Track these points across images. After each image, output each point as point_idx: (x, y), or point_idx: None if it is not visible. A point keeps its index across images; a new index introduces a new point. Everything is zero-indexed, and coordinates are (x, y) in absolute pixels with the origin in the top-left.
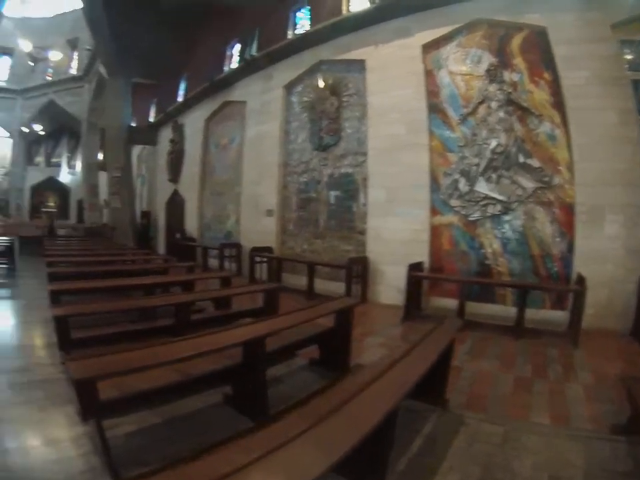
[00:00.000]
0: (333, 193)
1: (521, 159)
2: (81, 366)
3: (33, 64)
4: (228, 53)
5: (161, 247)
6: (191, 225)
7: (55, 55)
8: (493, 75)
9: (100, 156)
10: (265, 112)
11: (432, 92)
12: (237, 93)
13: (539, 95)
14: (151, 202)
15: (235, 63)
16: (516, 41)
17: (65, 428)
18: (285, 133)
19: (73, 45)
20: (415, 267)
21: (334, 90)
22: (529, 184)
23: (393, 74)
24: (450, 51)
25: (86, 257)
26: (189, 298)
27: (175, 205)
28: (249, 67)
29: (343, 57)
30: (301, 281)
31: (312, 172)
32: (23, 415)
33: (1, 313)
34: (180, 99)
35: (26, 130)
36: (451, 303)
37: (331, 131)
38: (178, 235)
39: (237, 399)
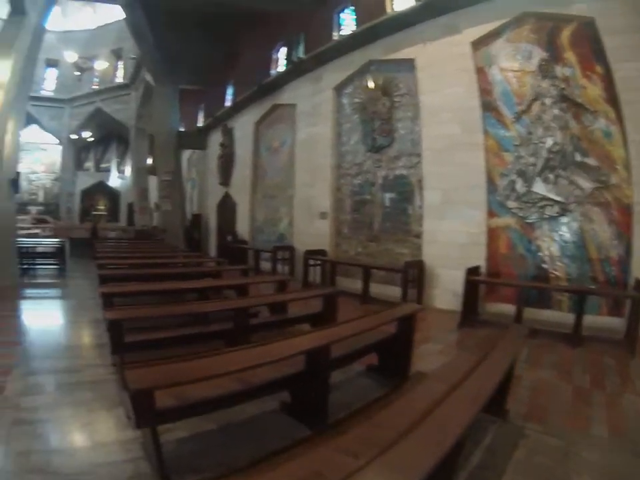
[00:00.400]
0: (387, 195)
1: (578, 158)
2: (138, 375)
3: (79, 73)
4: (274, 57)
5: (212, 249)
6: (243, 227)
7: (100, 64)
8: (545, 70)
9: (149, 160)
10: (316, 114)
11: (484, 90)
12: (286, 95)
13: (592, 90)
14: (201, 205)
15: (281, 66)
16: (565, 34)
17: (113, 431)
18: (336, 135)
19: (117, 54)
20: (472, 271)
21: (385, 90)
22: (586, 184)
23: (443, 72)
24: (499, 47)
25: (137, 259)
26: (246, 303)
27: (226, 207)
28: (297, 69)
29: (392, 56)
30: (355, 285)
31: (366, 174)
32: (71, 416)
33: (52, 312)
34: (228, 103)
35: (75, 137)
36: (507, 309)
37: (384, 132)
38: (229, 238)
39: (296, 406)
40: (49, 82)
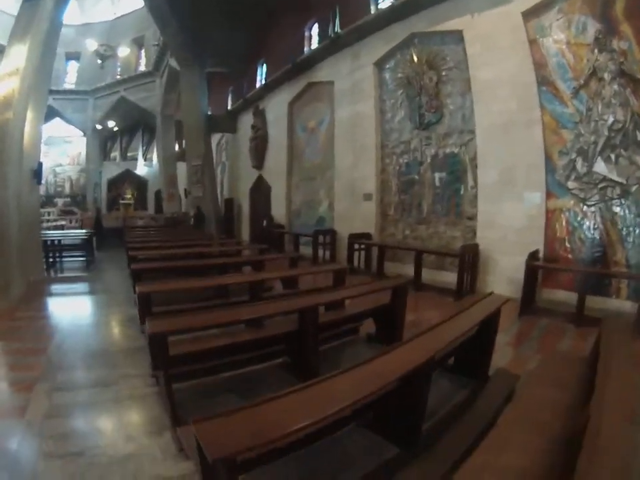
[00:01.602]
0: (437, 175)
1: (639, 137)
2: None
3: (101, 61)
4: (307, 34)
5: (245, 235)
6: (278, 211)
7: (123, 51)
8: (601, 43)
9: (176, 147)
10: (357, 91)
11: (538, 63)
12: (322, 73)
13: None
14: (233, 190)
15: (315, 44)
16: (619, 5)
17: (161, 464)
18: (380, 112)
19: (139, 43)
20: (532, 256)
21: (431, 64)
22: None
23: (495, 45)
24: (552, 18)
25: (170, 248)
26: (308, 302)
27: (260, 191)
28: (333, 45)
29: (436, 28)
30: (402, 270)
31: (413, 152)
32: (107, 446)
33: (80, 311)
34: (258, 84)
35: (99, 127)
36: (564, 296)
37: (432, 107)
38: (264, 222)
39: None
40: (70, 75)
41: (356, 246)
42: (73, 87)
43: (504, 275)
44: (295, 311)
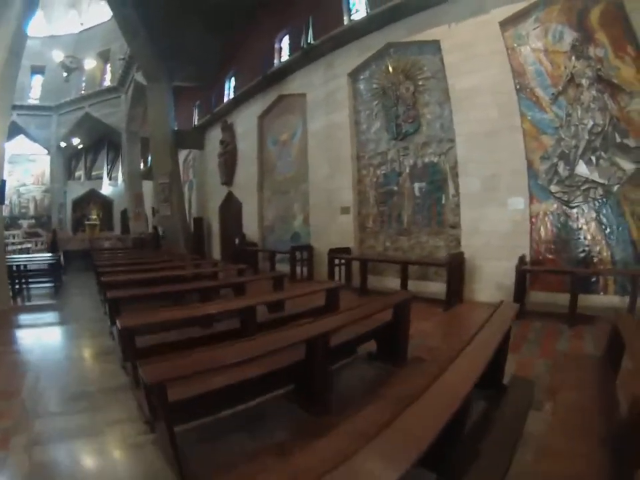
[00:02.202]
0: (417, 185)
1: (618, 139)
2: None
3: (66, 74)
4: (277, 46)
5: (216, 254)
6: (251, 228)
7: (89, 63)
8: (578, 50)
9: (142, 165)
10: (330, 102)
11: (517, 71)
12: (294, 85)
13: (626, 71)
14: (201, 207)
15: (285, 56)
16: (594, 15)
17: None
18: (355, 124)
19: (104, 57)
20: (522, 260)
21: (407, 74)
22: (627, 165)
23: (473, 54)
24: (529, 27)
25: (145, 272)
26: (321, 329)
27: (230, 208)
28: (306, 56)
29: (413, 38)
30: (384, 283)
31: (391, 163)
32: None
33: (53, 344)
34: (227, 98)
35: (63, 144)
36: (551, 297)
37: (409, 117)
38: (237, 240)
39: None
40: (34, 90)
41: (336, 261)
42: (37, 102)
43: (491, 282)
44: (303, 341)
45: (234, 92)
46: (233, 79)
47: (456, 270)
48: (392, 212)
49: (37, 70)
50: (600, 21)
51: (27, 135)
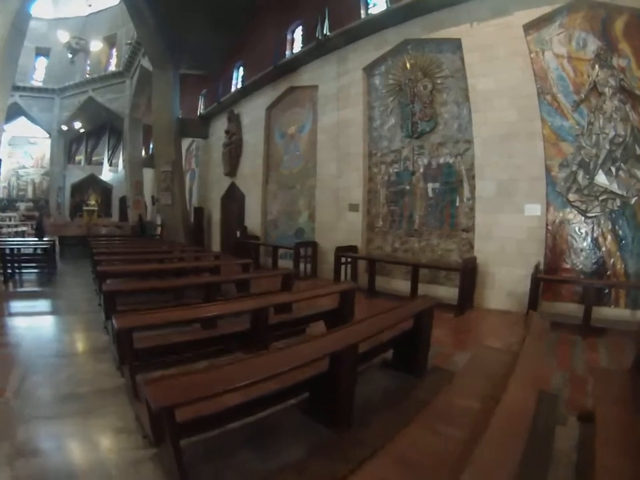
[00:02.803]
0: (430, 185)
1: (638, 151)
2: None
3: (71, 55)
4: (289, 37)
5: (215, 245)
6: (253, 221)
7: (95, 45)
8: (603, 59)
9: (143, 153)
10: (343, 97)
11: (539, 76)
12: (305, 77)
13: None
14: (203, 198)
15: (298, 47)
16: (618, 25)
17: None
18: (368, 120)
19: (110, 42)
20: (537, 268)
21: (425, 71)
22: None
23: (495, 55)
24: (553, 32)
25: (144, 263)
26: (349, 341)
27: (232, 200)
28: (320, 48)
29: (432, 35)
30: (392, 284)
31: (404, 161)
32: None
33: (44, 336)
34: (234, 88)
35: (65, 128)
36: (565, 307)
37: (426, 115)
38: (238, 233)
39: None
40: (38, 72)
41: (342, 259)
42: (40, 84)
43: (503, 289)
44: (328, 354)
45: (242, 82)
46: (241, 68)
47: (469, 275)
48: (403, 212)
49: (41, 52)
50: (624, 31)
51: (29, 117)
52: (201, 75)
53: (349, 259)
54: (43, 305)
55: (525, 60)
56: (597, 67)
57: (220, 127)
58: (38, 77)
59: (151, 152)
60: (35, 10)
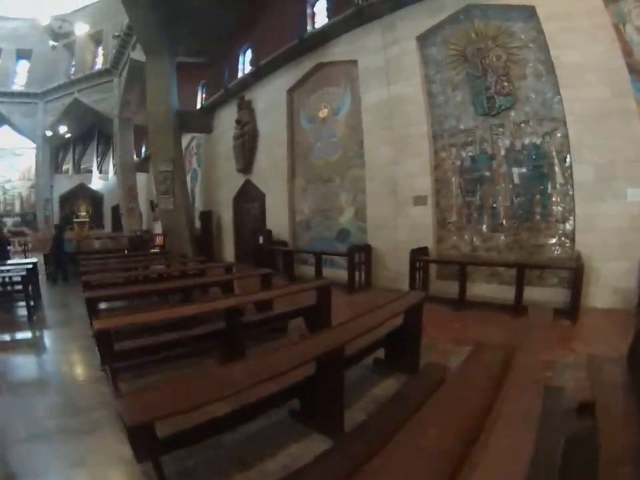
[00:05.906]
0: (516, 170)
1: None
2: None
3: (54, 43)
4: (309, 11)
5: (229, 254)
6: (278, 224)
7: (80, 28)
8: None
9: (135, 156)
10: (394, 70)
11: (624, 50)
12: (338, 50)
13: None
14: (208, 200)
15: (323, 19)
16: None
17: None
18: (428, 95)
19: (96, 39)
20: None
21: (495, 40)
22: None
23: (577, 26)
24: (630, 5)
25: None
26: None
27: (248, 200)
28: (359, 16)
29: (501, 1)
30: (473, 291)
31: (480, 143)
32: None
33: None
34: (241, 74)
35: (49, 133)
36: None
37: (503, 89)
38: (260, 239)
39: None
40: (20, 76)
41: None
42: (22, 89)
43: (608, 285)
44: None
45: (252, 64)
46: (248, 51)
47: (580, 273)
48: (483, 203)
49: (22, 54)
50: None
51: (10, 124)
52: (200, 62)
53: (421, 264)
54: (17, 365)
55: (609, 32)
56: None
57: (227, 117)
58: (19, 82)
59: (143, 155)
60: (14, 10)
